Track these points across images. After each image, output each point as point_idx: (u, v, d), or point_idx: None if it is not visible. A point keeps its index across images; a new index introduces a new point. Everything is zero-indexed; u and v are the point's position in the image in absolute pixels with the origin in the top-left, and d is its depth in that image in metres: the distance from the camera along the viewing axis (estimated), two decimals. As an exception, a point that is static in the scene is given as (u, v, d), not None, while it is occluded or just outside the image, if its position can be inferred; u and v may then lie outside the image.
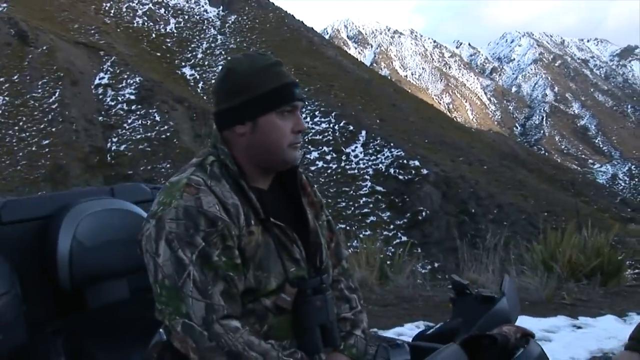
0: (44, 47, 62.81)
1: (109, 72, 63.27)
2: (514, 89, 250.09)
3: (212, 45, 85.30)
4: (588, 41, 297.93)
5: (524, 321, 5.38)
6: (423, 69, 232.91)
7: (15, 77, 60.71)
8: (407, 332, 6.34)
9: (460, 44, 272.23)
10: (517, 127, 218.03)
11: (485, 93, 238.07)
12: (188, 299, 1.64)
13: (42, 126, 55.60)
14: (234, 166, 1.80)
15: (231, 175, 1.80)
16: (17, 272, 1.90)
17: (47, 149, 52.57)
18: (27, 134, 55.30)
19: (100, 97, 61.06)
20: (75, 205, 2.03)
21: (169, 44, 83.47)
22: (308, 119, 54.46)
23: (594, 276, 6.59)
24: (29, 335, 1.91)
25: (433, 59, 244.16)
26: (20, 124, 56.12)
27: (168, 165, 51.10)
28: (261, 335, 1.74)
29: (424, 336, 2.01)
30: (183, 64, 77.04)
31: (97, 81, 62.56)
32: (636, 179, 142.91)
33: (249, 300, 1.75)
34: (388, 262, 8.32)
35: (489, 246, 7.30)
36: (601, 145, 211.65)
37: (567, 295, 6.15)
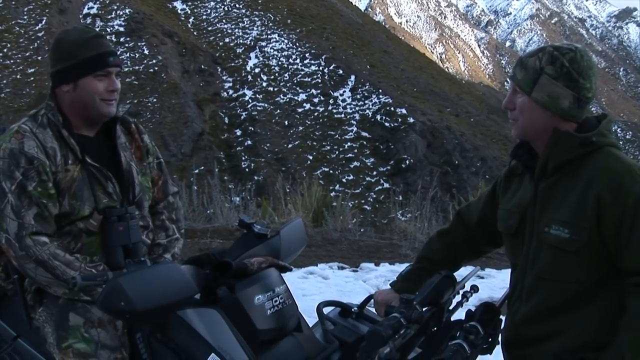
0: (31, -28, 61.04)
1: (98, 2, 61.78)
2: (508, 44, 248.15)
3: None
4: (587, 0, 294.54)
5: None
6: (418, 17, 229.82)
7: (0, 1, 59.13)
8: (318, 271, 6.49)
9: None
10: (507, 82, 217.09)
11: (479, 45, 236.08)
12: (6, 218, 2.19)
13: (27, 54, 54.53)
14: (58, 117, 2.32)
15: (55, 124, 2.32)
16: None
17: (32, 78, 51.73)
18: (12, 61, 54.26)
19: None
20: None
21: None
22: (298, 60, 53.81)
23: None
24: None
25: (429, 8, 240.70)
26: (5, 50, 54.99)
27: (155, 100, 50.58)
28: (75, 250, 2.28)
29: (191, 259, 2.34)
30: (174, -3, 75.47)
31: (85, 10, 61.09)
32: (621, 142, 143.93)
33: (67, 223, 2.28)
34: (334, 205, 8.49)
35: (422, 198, 7.38)
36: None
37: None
